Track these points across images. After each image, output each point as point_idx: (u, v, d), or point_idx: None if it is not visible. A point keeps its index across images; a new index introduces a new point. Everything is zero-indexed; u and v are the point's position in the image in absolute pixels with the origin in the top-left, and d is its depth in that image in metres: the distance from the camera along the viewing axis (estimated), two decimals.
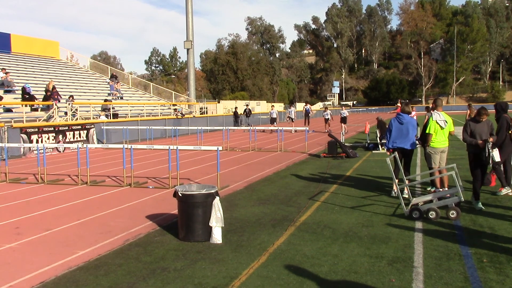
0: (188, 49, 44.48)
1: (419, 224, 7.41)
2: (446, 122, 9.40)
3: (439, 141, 9.47)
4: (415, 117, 22.72)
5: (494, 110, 9.92)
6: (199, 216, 6.60)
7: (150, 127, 25.43)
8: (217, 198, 6.68)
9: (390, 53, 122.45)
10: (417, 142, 9.97)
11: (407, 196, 8.89)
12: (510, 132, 9.48)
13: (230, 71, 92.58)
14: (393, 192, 9.61)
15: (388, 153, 9.80)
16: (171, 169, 11.37)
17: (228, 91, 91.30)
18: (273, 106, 38.33)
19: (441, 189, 9.34)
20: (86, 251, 6.39)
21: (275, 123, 34.87)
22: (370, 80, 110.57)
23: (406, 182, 8.82)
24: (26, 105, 22.78)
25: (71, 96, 26.06)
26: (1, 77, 24.83)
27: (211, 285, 5.11)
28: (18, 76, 29.23)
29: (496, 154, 8.91)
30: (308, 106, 35.60)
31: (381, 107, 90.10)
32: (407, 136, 9.51)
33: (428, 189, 10.11)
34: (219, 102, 55.56)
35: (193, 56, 45.27)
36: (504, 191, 9.60)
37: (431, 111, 9.87)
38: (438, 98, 10.34)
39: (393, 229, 7.18)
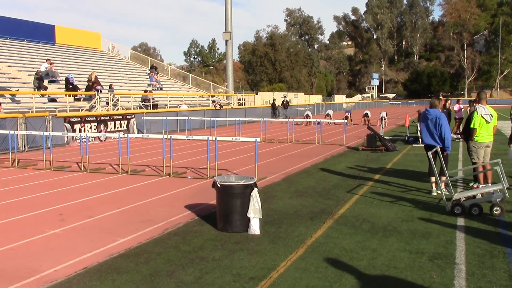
0: (226, 41, 44.59)
1: (461, 220, 7.23)
2: (491, 116, 9.13)
3: (484, 135, 9.21)
4: (461, 111, 22.18)
5: None
6: (238, 207, 6.63)
7: (189, 118, 25.68)
8: (256, 189, 6.70)
9: (432, 44, 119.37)
10: (460, 136, 9.70)
11: (445, 191, 8.69)
12: None
13: (268, 62, 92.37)
14: (433, 190, 9.27)
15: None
16: (209, 159, 11.46)
17: (266, 83, 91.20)
18: (310, 114, 36.45)
19: (484, 185, 9.09)
20: (127, 238, 6.52)
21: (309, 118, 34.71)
22: (410, 72, 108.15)
23: (443, 178, 8.60)
24: (69, 95, 23.36)
25: (111, 85, 26.60)
26: (46, 68, 25.51)
27: (249, 276, 5.13)
28: (62, 67, 29.98)
29: None
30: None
31: (421, 100, 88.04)
32: (435, 132, 8.87)
33: (471, 184, 9.85)
34: (257, 94, 55.59)
35: (231, 48, 45.37)
36: None
37: (474, 105, 9.59)
38: (482, 91, 10.02)
39: (433, 224, 7.04)
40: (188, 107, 31.57)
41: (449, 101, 21.28)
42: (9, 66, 26.76)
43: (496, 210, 7.42)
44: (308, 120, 30.20)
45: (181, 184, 10.56)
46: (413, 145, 18.14)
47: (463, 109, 22.60)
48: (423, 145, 9.37)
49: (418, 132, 18.50)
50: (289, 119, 24.21)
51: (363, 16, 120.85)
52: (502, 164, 7.61)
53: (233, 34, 44.61)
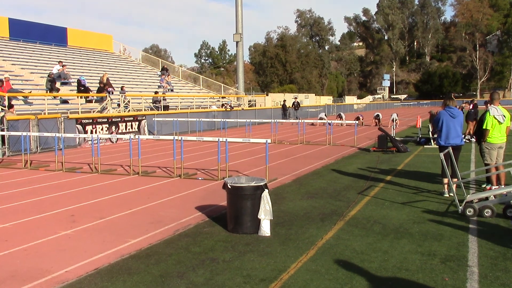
0: (237, 42, 44.61)
1: (473, 222, 7.17)
2: (504, 116, 9.04)
3: (496, 136, 9.12)
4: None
5: None
6: (248, 209, 6.63)
7: (200, 119, 25.74)
8: (266, 190, 6.68)
9: (444, 45, 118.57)
10: (472, 137, 9.62)
11: (461, 193, 8.61)
12: None
13: (279, 64, 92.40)
14: (445, 192, 9.18)
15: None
16: (220, 161, 11.46)
17: (277, 84, 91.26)
18: (325, 115, 36.08)
19: (497, 186, 9.00)
20: (138, 240, 6.54)
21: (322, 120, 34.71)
22: (422, 73, 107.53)
23: (454, 180, 8.52)
24: (81, 97, 23.52)
25: (122, 86, 26.72)
26: (58, 70, 25.68)
27: (259, 277, 5.12)
28: (74, 69, 30.16)
29: None
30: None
31: (433, 101, 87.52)
32: (460, 130, 8.96)
33: (484, 186, 9.76)
34: (267, 95, 55.58)
35: (242, 49, 45.36)
36: None
37: (488, 105, 9.50)
38: (495, 92, 9.92)
39: (446, 226, 6.98)
40: (217, 107, 33.65)
41: (465, 106, 21.28)
42: (22, 68, 26.99)
43: (510, 212, 7.34)
44: (322, 121, 30.19)
45: (192, 186, 10.57)
46: (425, 146, 18.01)
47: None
48: (436, 147, 9.29)
49: (430, 133, 18.38)
50: (300, 120, 24.17)
51: (374, 17, 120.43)
52: None
53: (244, 36, 44.62)
